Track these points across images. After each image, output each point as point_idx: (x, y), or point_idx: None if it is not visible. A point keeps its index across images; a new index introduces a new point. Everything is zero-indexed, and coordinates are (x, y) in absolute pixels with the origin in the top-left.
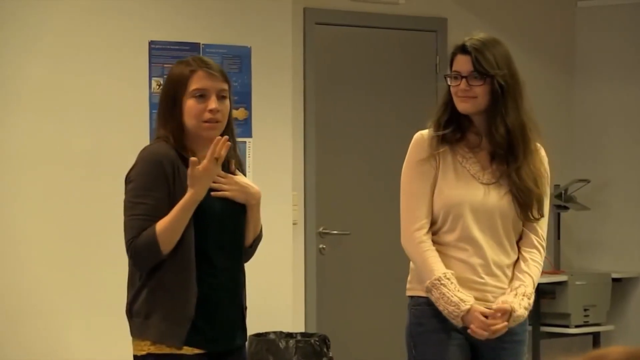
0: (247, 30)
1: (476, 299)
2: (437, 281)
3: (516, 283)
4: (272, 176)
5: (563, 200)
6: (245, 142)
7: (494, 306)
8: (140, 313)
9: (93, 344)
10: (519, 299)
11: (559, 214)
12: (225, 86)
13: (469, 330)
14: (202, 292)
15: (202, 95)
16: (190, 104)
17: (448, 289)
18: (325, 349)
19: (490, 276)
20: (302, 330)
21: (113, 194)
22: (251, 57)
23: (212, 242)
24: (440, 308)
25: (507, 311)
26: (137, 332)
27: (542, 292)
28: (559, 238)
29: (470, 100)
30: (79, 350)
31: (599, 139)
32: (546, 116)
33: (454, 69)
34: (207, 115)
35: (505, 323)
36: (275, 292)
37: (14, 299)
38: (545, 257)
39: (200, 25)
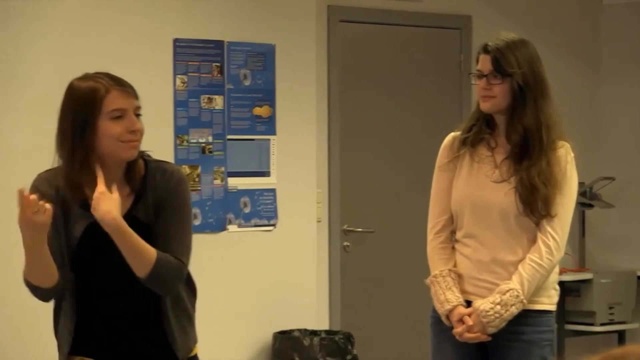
0: (272, 28)
1: (473, 294)
2: (434, 278)
3: (503, 282)
4: (296, 173)
5: (588, 198)
6: (269, 139)
7: (454, 317)
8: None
9: None
10: (489, 297)
11: (583, 212)
12: (139, 103)
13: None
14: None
15: (120, 116)
16: (107, 126)
17: (440, 286)
18: (349, 347)
19: (489, 273)
20: (327, 327)
21: None
22: (275, 54)
23: (94, 274)
24: (434, 303)
25: (471, 312)
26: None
27: (567, 290)
28: (583, 236)
29: (490, 99)
30: None
31: (623, 137)
32: (571, 114)
33: (477, 68)
34: (128, 136)
35: (466, 330)
36: (299, 289)
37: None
38: (569, 255)
39: (224, 23)
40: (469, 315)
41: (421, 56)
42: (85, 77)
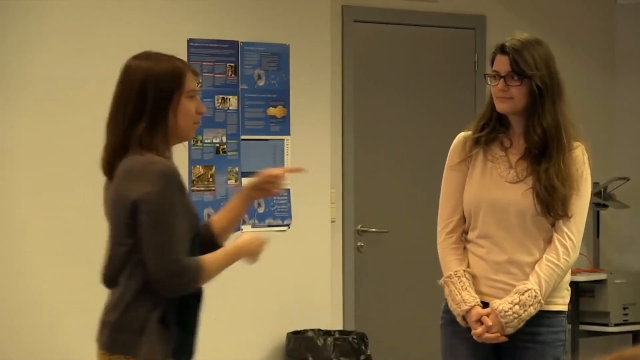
0: (286, 28)
1: (488, 295)
2: (448, 278)
3: (520, 282)
4: (310, 174)
5: (602, 198)
6: (283, 139)
7: (473, 317)
8: (131, 330)
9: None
10: (507, 297)
11: (598, 212)
12: None
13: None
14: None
15: (192, 97)
16: (187, 104)
17: (455, 287)
18: (363, 347)
19: (505, 273)
20: (340, 327)
21: None
22: (289, 55)
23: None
24: (449, 304)
25: (489, 313)
26: (125, 348)
27: (581, 290)
28: (598, 236)
29: (508, 100)
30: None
31: (638, 137)
32: (586, 114)
33: (493, 68)
34: (197, 117)
35: (485, 332)
36: (313, 289)
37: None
38: (583, 256)
39: (238, 23)
40: (487, 315)
41: (435, 56)
42: (151, 55)
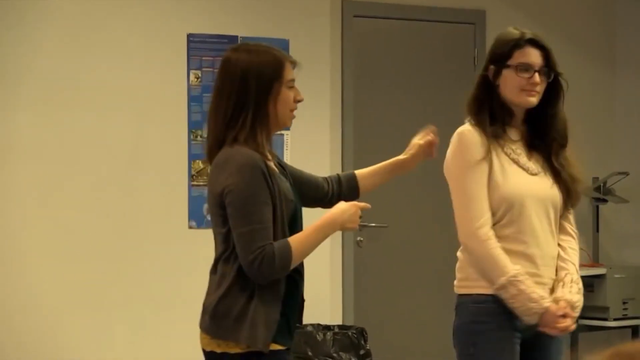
0: (285, 23)
1: None
2: (514, 278)
3: (562, 273)
4: (310, 169)
5: (602, 193)
6: (283, 134)
7: (559, 311)
8: (230, 315)
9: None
10: (568, 288)
11: (597, 207)
12: None
13: (540, 328)
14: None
15: (291, 86)
16: (287, 93)
17: (526, 285)
18: (362, 342)
19: (546, 267)
20: (340, 322)
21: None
22: (289, 50)
23: None
24: (517, 305)
25: (568, 306)
26: (226, 334)
27: None
28: (597, 231)
29: (536, 95)
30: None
31: (638, 132)
32: (586, 109)
33: (524, 60)
34: (294, 105)
35: (572, 323)
36: (312, 284)
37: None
38: (582, 250)
39: (238, 18)
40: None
41: (435, 51)
42: (250, 46)
